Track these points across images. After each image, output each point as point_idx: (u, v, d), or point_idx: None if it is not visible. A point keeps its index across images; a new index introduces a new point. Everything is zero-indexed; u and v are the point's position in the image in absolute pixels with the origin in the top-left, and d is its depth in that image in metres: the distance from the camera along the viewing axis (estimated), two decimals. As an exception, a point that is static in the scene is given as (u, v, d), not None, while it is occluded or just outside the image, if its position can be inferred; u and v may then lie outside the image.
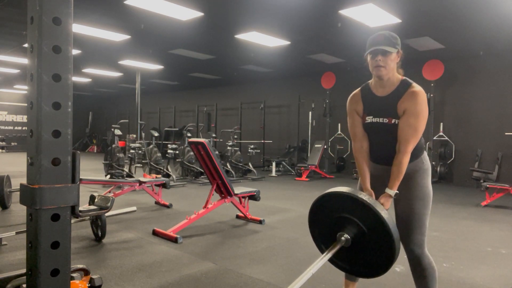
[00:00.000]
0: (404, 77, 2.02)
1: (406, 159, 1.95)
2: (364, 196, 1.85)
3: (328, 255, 1.88)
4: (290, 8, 5.80)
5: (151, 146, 8.60)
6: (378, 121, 2.03)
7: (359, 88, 2.17)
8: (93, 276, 1.82)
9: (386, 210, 1.88)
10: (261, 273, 2.97)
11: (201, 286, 2.69)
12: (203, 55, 9.33)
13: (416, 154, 2.05)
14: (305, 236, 4.07)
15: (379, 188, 2.09)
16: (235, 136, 10.72)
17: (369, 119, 2.07)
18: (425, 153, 2.14)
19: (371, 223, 1.84)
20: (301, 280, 1.72)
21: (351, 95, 2.19)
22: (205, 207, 4.21)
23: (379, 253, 1.87)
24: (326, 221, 2.02)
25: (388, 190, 1.99)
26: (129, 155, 8.21)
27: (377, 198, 2.08)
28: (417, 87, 1.96)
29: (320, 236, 2.09)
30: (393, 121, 1.98)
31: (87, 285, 1.78)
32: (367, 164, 2.13)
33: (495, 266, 3.25)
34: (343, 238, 1.89)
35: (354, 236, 1.89)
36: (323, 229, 2.06)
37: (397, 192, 1.99)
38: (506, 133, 8.25)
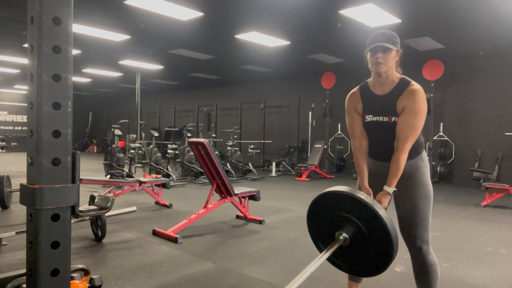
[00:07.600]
0: (403, 76, 2.05)
1: (404, 156, 1.97)
2: (362, 195, 1.85)
3: (326, 254, 1.87)
4: (290, 8, 5.80)
5: (151, 146, 8.60)
6: (378, 119, 2.05)
7: (358, 87, 2.18)
8: (93, 276, 1.82)
9: (385, 208, 1.88)
10: (261, 273, 2.97)
11: (201, 286, 2.69)
12: (203, 55, 9.33)
13: (416, 152, 2.07)
14: (305, 236, 4.07)
15: (378, 186, 2.10)
16: (235, 136, 10.72)
17: (369, 118, 2.08)
18: (424, 151, 2.16)
19: (369, 221, 1.84)
20: (300, 279, 1.72)
21: (349, 93, 2.20)
22: (205, 207, 4.21)
23: (377, 251, 1.86)
24: (324, 220, 2.02)
25: (386, 188, 2.00)
26: (129, 155, 8.21)
27: (376, 195, 2.08)
28: (416, 85, 1.99)
29: (318, 235, 2.09)
30: (393, 119, 2.00)
31: (87, 285, 1.78)
32: (365, 162, 2.14)
33: (495, 266, 3.25)
34: (341, 237, 1.89)
35: (352, 235, 1.89)
36: (322, 229, 2.05)
37: (395, 189, 2.00)
38: (506, 133, 8.25)
